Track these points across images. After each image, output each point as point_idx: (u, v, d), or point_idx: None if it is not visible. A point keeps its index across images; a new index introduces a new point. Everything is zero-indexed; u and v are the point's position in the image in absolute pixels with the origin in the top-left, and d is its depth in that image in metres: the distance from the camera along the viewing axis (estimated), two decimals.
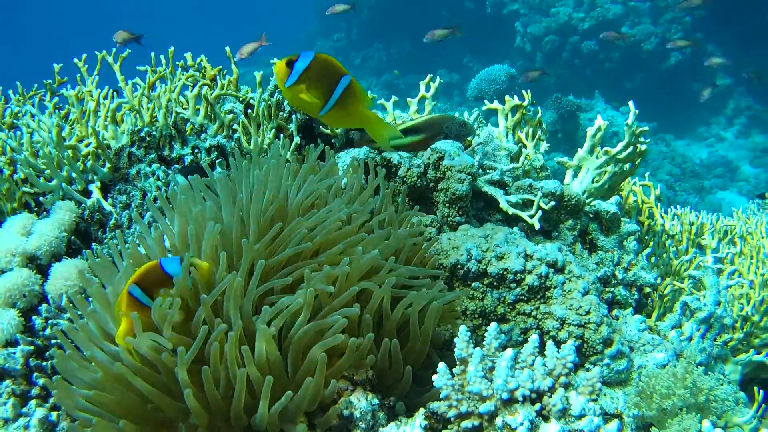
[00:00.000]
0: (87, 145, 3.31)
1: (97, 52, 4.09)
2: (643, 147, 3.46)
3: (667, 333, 2.92)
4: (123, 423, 1.78)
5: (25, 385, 2.50)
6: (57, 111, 3.82)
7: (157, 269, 1.92)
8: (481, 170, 3.08)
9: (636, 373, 2.63)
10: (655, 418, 2.26)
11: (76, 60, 3.99)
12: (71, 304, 2.28)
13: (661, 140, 15.02)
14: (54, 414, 2.27)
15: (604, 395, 2.57)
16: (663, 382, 2.24)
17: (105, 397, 1.88)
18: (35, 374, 2.49)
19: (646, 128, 3.44)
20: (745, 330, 3.50)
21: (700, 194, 13.38)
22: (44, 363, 2.52)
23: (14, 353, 2.52)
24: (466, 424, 1.79)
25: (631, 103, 3.44)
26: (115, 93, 3.77)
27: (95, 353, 1.94)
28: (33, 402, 2.37)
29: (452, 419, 1.83)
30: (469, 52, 18.38)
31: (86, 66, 3.96)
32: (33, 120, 3.27)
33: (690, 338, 2.90)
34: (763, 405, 2.84)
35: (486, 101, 3.79)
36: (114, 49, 3.86)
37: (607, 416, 2.51)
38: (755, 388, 2.91)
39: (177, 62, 3.88)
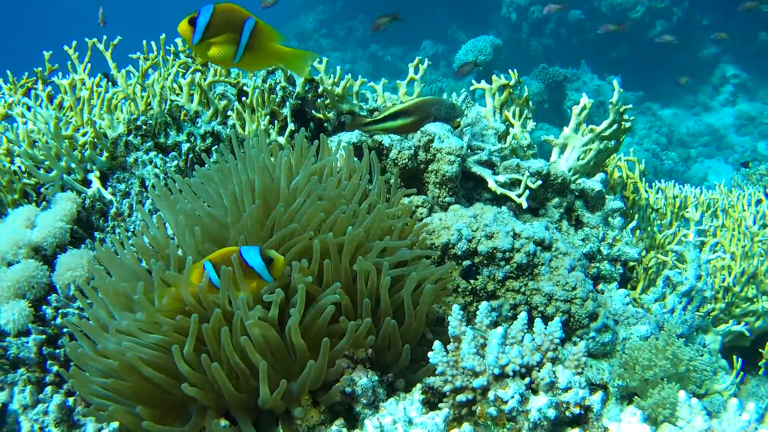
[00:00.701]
0: (83, 135, 3.37)
1: (87, 39, 4.12)
2: (628, 124, 3.57)
3: (651, 306, 3.06)
4: (140, 408, 1.88)
5: (39, 373, 2.60)
6: (50, 100, 3.87)
7: (236, 256, 1.98)
8: (469, 151, 3.18)
9: (620, 345, 2.76)
10: (638, 388, 2.40)
11: (66, 47, 4.03)
12: (81, 294, 2.37)
13: (647, 109, 15.12)
14: (70, 399, 2.36)
15: (591, 367, 2.70)
16: (645, 354, 2.36)
17: (119, 384, 1.99)
18: (49, 362, 2.59)
19: (630, 106, 3.54)
20: (726, 300, 3.64)
21: (687, 163, 13.52)
22: (57, 351, 2.61)
23: (27, 342, 2.61)
24: (461, 397, 1.91)
25: (615, 82, 3.53)
26: (107, 80, 3.82)
27: (108, 344, 2.04)
28: (49, 388, 2.48)
29: (448, 393, 1.95)
30: (455, 22, 18.34)
31: (77, 53, 4.01)
32: (29, 111, 3.33)
33: (672, 310, 3.03)
34: (742, 372, 2.99)
35: (473, 81, 3.86)
36: (105, 37, 3.90)
37: (593, 386, 2.64)
38: (734, 356, 3.06)
39: (168, 47, 3.93)
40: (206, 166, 2.69)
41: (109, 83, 3.59)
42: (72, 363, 2.12)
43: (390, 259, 2.21)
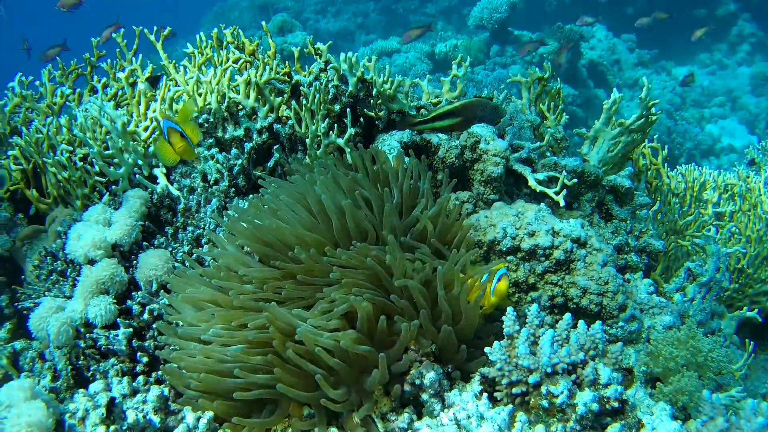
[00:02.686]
0: (145, 129, 3.63)
1: (135, 27, 4.33)
2: (654, 117, 3.80)
3: (673, 295, 3.36)
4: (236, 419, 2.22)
5: (129, 363, 2.92)
6: (104, 91, 4.11)
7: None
8: (510, 149, 3.43)
9: (645, 332, 3.07)
10: (661, 374, 2.71)
11: (115, 35, 4.25)
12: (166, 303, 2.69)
13: (661, 69, 15.16)
14: (165, 389, 2.68)
15: None
16: (668, 348, 2.67)
17: (211, 380, 2.33)
18: (139, 353, 2.91)
19: (657, 101, 3.77)
20: (740, 281, 3.94)
21: (700, 123, 13.64)
22: (145, 344, 2.93)
23: (117, 335, 2.93)
24: (516, 390, 2.23)
25: (644, 79, 3.76)
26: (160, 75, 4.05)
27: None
28: (141, 378, 2.79)
29: (504, 385, 2.26)
30: None
31: (125, 41, 4.22)
32: (96, 110, 3.58)
33: (692, 299, 3.33)
34: (753, 354, 3.30)
35: (511, 74, 4.09)
36: (156, 28, 4.11)
37: (621, 370, 2.95)
38: (746, 340, 3.37)
39: (209, 39, 4.12)
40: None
41: (172, 82, 3.81)
42: (159, 353, 2.45)
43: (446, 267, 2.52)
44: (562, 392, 2.13)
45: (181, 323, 2.64)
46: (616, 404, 2.16)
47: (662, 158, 4.35)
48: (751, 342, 3.41)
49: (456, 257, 2.57)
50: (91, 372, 2.98)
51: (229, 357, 2.33)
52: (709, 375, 2.78)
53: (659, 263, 3.92)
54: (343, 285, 2.39)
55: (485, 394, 2.18)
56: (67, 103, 4.20)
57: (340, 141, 3.34)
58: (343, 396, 2.23)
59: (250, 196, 3.35)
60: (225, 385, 2.34)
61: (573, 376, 2.21)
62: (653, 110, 3.76)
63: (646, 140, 4.36)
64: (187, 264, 2.97)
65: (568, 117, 3.98)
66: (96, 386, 2.67)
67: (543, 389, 2.17)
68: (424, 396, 2.30)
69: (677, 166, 4.76)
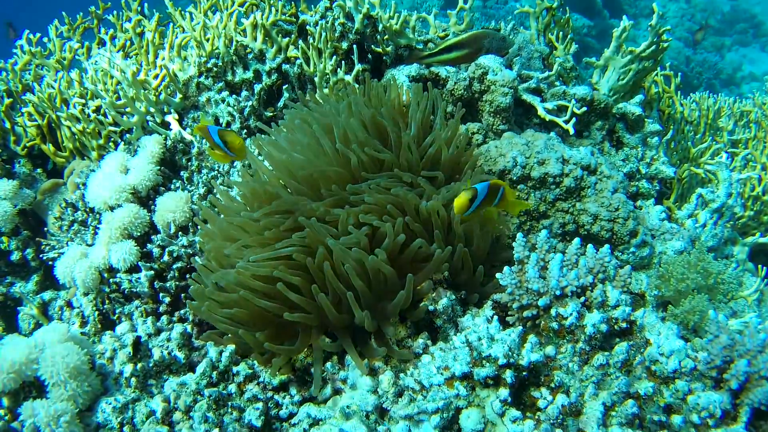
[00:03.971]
0: (155, 77, 3.66)
1: None
2: (666, 44, 3.75)
3: (684, 221, 3.38)
4: (259, 335, 2.30)
5: (152, 304, 3.02)
6: (112, 42, 4.13)
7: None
8: (519, 79, 3.42)
9: (657, 257, 3.10)
10: (672, 298, 2.75)
11: None
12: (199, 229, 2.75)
13: None
14: (188, 326, 2.78)
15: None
16: (678, 269, 2.71)
17: (239, 312, 2.40)
18: (161, 294, 3.00)
19: (669, 27, 3.72)
20: (755, 208, 3.94)
21: (720, 52, 13.33)
22: (167, 284, 3.02)
23: (139, 278, 3.02)
24: (527, 313, 2.29)
25: (655, 5, 3.70)
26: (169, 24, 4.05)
27: (228, 277, 2.45)
28: (164, 317, 2.89)
29: (515, 309, 2.32)
30: None
31: None
32: (105, 62, 3.61)
33: (704, 225, 3.35)
34: (766, 280, 3.33)
35: (518, 4, 4.04)
36: None
37: (633, 295, 3.00)
38: (759, 266, 3.40)
39: None
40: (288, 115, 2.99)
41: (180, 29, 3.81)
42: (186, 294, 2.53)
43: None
44: (571, 314, 2.18)
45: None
46: (624, 325, 2.21)
47: (675, 86, 4.31)
48: (765, 268, 3.43)
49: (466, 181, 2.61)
50: (116, 315, 3.09)
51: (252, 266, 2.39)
52: (719, 298, 2.82)
53: (672, 191, 3.93)
54: (365, 210, 2.44)
55: (496, 317, 2.24)
56: (76, 57, 4.23)
57: (349, 77, 3.35)
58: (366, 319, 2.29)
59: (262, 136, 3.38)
60: (254, 309, 2.41)
61: (582, 299, 2.26)
62: (664, 37, 3.71)
63: (659, 68, 4.32)
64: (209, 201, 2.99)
65: (578, 47, 3.94)
66: (122, 328, 2.78)
67: (553, 312, 2.23)
68: (438, 322, 2.36)
69: (690, 94, 4.71)
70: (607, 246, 2.35)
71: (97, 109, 3.78)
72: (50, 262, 3.41)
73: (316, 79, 3.41)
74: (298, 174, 2.65)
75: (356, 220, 2.45)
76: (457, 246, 2.42)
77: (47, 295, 3.68)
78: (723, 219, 3.40)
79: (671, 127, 4.17)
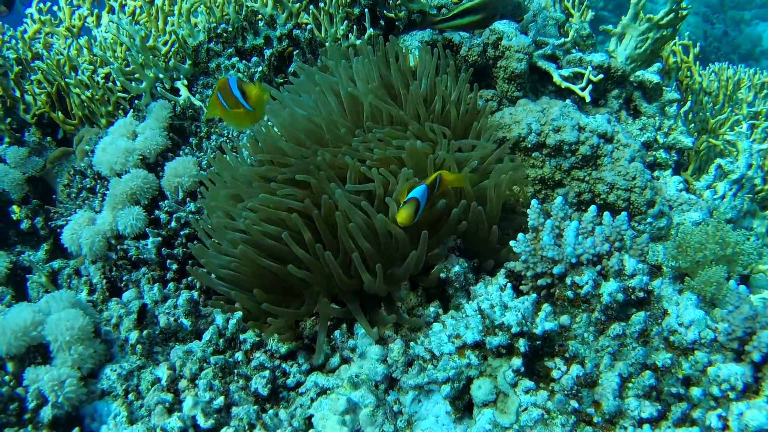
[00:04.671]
0: (165, 43, 3.59)
1: None
2: (684, 12, 3.64)
3: (703, 192, 3.30)
4: (257, 292, 2.25)
5: (159, 271, 2.98)
6: (121, 9, 4.06)
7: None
8: (534, 45, 3.33)
9: (674, 228, 3.03)
10: (689, 269, 2.68)
11: None
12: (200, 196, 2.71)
13: None
14: (195, 293, 2.74)
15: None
16: (696, 238, 2.63)
17: (240, 273, 2.35)
18: (168, 261, 2.96)
19: None
20: None
21: (739, 26, 13.07)
22: (174, 251, 2.97)
23: (147, 244, 2.98)
24: (541, 281, 2.23)
25: None
26: None
27: (230, 236, 2.40)
28: (171, 284, 2.85)
29: (529, 277, 2.26)
30: None
31: None
32: (114, 28, 3.55)
33: (723, 197, 3.27)
34: None
35: None
36: None
37: (650, 266, 2.94)
38: None
39: None
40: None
41: None
42: (194, 260, 2.49)
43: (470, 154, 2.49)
44: (586, 282, 2.12)
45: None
46: (641, 294, 2.15)
47: (694, 56, 4.20)
48: None
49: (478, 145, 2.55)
50: (123, 282, 3.05)
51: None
52: (738, 270, 2.75)
53: (690, 162, 3.84)
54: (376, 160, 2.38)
55: (509, 285, 2.19)
56: (86, 24, 4.17)
57: (360, 42, 3.27)
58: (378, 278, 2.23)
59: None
60: (257, 271, 2.36)
61: (598, 267, 2.19)
62: (683, 4, 3.60)
63: (677, 38, 4.21)
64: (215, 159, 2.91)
65: (594, 13, 3.84)
66: (129, 294, 2.75)
67: (568, 280, 2.17)
68: (450, 290, 2.31)
69: (710, 65, 4.59)
70: (624, 213, 2.28)
71: (107, 76, 3.73)
72: (59, 230, 3.39)
73: (327, 44, 3.34)
74: (304, 128, 2.60)
75: (361, 176, 2.40)
76: (471, 206, 2.35)
77: (57, 263, 3.66)
78: (742, 191, 3.32)
79: (689, 98, 4.07)
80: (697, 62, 4.23)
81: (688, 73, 4.17)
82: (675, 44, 4.13)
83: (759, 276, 3.18)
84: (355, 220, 2.23)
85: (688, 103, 3.92)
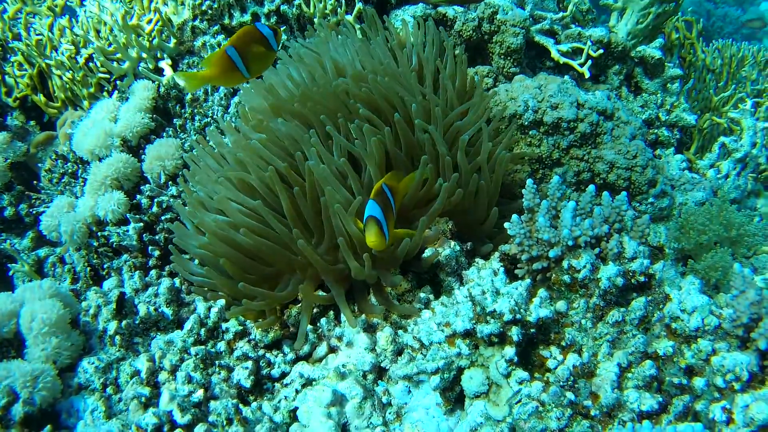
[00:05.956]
0: (148, 22, 3.46)
1: None
2: None
3: (706, 171, 3.17)
4: (229, 267, 2.14)
5: (141, 258, 2.87)
6: None
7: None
8: (531, 20, 3.20)
9: (677, 209, 2.91)
10: (693, 251, 2.57)
11: None
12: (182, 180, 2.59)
13: None
14: (177, 281, 2.62)
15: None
16: (700, 219, 2.52)
17: (215, 254, 2.24)
18: (150, 247, 2.85)
19: None
20: None
21: (743, 6, 12.86)
22: (156, 237, 2.86)
23: (128, 230, 2.87)
24: (537, 265, 2.12)
25: None
26: None
27: (204, 219, 2.29)
28: (153, 272, 2.74)
29: (524, 261, 2.15)
30: None
31: None
32: (96, 6, 3.42)
33: (726, 176, 3.15)
34: None
35: None
36: None
37: (651, 248, 2.82)
38: None
39: None
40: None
41: None
42: (172, 246, 2.39)
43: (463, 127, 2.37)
44: (584, 266, 2.01)
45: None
46: (642, 278, 2.03)
47: (697, 32, 4.06)
48: None
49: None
50: (105, 270, 2.95)
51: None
52: (742, 251, 2.63)
53: (693, 141, 3.71)
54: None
55: (502, 270, 2.07)
56: (68, 3, 4.04)
57: (349, 17, 3.14)
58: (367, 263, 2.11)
59: None
60: (238, 256, 2.25)
61: (596, 250, 2.08)
62: None
63: (679, 13, 4.07)
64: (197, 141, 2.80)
65: None
66: (109, 283, 2.63)
67: (564, 263, 2.05)
68: (441, 275, 2.20)
69: (713, 42, 4.45)
70: (624, 193, 2.16)
71: (90, 57, 3.61)
72: (41, 217, 3.28)
73: (316, 20, 3.20)
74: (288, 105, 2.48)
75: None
76: (471, 180, 2.23)
77: (43, 251, 3.55)
78: (746, 170, 3.19)
79: (692, 75, 3.93)
80: (700, 39, 4.09)
81: (691, 50, 4.03)
82: (677, 20, 3.99)
83: (762, 257, 3.07)
84: (336, 201, 2.11)
85: (691, 81, 3.79)
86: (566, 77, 3.00)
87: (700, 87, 4.02)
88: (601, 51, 3.11)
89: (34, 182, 3.54)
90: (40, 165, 3.64)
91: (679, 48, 3.96)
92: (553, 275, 2.10)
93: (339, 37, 2.71)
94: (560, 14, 3.23)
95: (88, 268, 3.07)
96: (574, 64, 3.07)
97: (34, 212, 3.41)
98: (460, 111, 2.45)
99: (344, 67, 2.58)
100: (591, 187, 2.20)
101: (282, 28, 3.27)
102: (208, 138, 2.77)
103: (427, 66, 2.59)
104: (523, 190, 2.20)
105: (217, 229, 2.27)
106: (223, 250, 2.26)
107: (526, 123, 2.79)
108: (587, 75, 3.03)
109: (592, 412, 1.77)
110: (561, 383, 1.82)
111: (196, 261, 2.48)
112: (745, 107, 3.34)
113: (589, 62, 3.05)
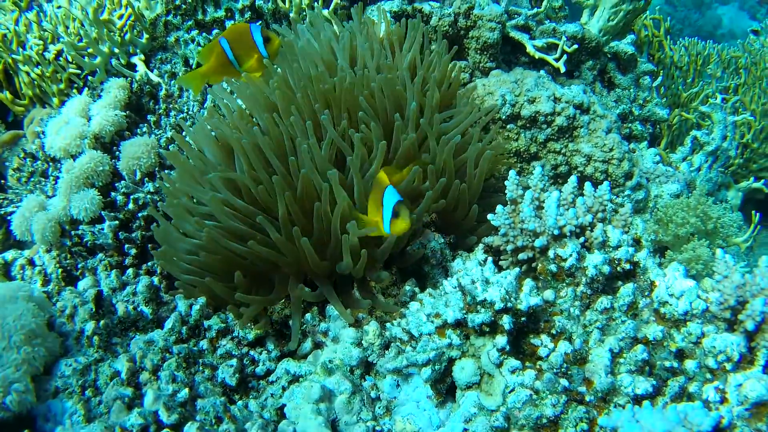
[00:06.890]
0: (120, 17, 3.39)
1: None
2: None
3: (679, 164, 3.23)
4: (237, 275, 2.10)
5: (117, 256, 2.80)
6: None
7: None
8: (506, 15, 3.22)
9: (652, 201, 2.95)
10: (671, 243, 2.61)
11: None
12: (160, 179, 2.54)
13: None
14: (155, 278, 2.56)
15: None
16: (678, 213, 2.55)
17: (208, 257, 2.20)
18: (126, 245, 2.78)
19: None
20: (745, 156, 3.82)
21: (700, 9, 13.16)
22: (132, 234, 2.79)
23: (103, 228, 2.80)
24: (522, 255, 2.13)
25: None
26: None
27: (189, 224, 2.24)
28: (130, 270, 2.66)
29: (509, 252, 2.15)
30: None
31: None
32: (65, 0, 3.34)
33: (699, 168, 3.20)
34: (758, 226, 3.20)
35: None
36: None
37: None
38: (752, 211, 3.26)
39: None
40: None
41: None
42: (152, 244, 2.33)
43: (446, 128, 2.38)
44: (570, 255, 2.02)
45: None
46: (627, 266, 2.05)
47: (665, 30, 4.14)
48: (757, 213, 3.30)
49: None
50: (79, 270, 2.87)
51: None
52: (718, 242, 2.68)
53: (663, 137, 3.78)
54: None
55: (490, 259, 2.07)
56: None
57: (326, 12, 3.11)
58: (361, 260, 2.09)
59: None
60: (225, 254, 2.22)
61: (581, 239, 2.10)
62: None
63: (648, 11, 4.15)
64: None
65: None
66: (84, 283, 2.56)
67: (550, 253, 2.06)
68: (426, 267, 2.20)
69: (679, 39, 4.55)
70: (606, 183, 2.18)
71: (59, 53, 3.51)
72: (9, 218, 3.18)
73: (292, 15, 3.18)
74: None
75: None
76: (453, 183, 2.24)
77: (9, 254, 3.44)
78: (718, 162, 3.26)
79: (661, 71, 4.01)
80: (668, 37, 4.17)
81: (659, 47, 4.11)
82: (646, 18, 4.07)
83: (733, 248, 3.13)
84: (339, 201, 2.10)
85: (660, 77, 3.86)
86: (542, 71, 3.03)
87: (668, 83, 4.10)
88: (575, 46, 3.14)
89: (1, 182, 3.44)
90: (7, 164, 3.54)
91: (648, 45, 4.03)
92: (539, 265, 2.11)
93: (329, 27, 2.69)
94: (534, 10, 3.26)
95: (60, 270, 2.99)
96: (550, 59, 3.09)
97: (1, 212, 3.31)
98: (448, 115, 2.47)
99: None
100: (573, 178, 2.22)
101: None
102: (184, 134, 2.72)
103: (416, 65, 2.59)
104: (506, 182, 2.21)
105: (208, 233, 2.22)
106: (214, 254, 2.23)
107: (503, 117, 2.81)
108: (563, 70, 3.05)
109: (587, 398, 1.78)
110: (554, 370, 1.83)
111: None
112: (715, 102, 3.41)
113: (564, 57, 3.08)
